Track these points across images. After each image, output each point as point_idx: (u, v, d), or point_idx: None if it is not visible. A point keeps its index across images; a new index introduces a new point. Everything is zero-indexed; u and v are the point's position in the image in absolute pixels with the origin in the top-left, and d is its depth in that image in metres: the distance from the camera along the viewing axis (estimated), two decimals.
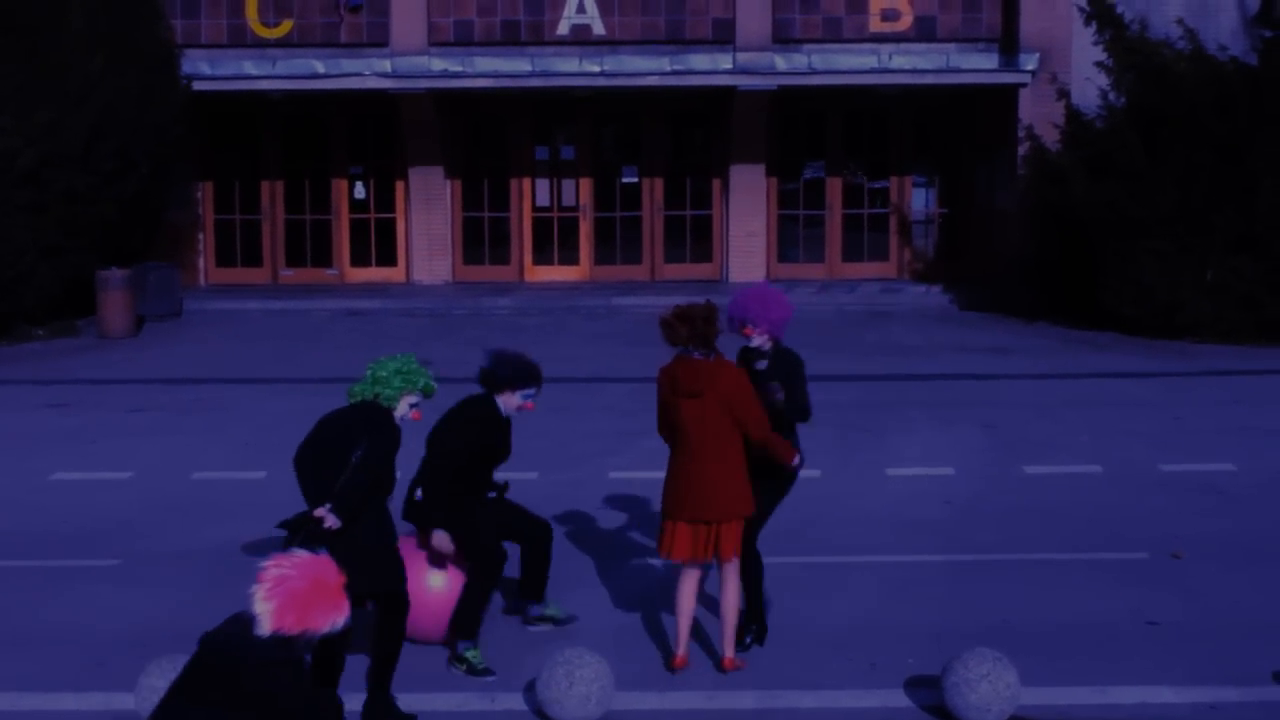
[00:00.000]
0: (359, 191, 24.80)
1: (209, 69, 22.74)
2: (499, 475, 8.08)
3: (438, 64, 22.87)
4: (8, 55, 19.48)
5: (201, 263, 24.71)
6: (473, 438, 7.76)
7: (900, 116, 24.59)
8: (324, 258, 24.89)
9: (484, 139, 24.65)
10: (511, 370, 7.81)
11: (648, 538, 9.64)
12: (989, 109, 23.47)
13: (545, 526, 8.16)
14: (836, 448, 12.85)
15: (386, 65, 22.78)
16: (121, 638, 8.07)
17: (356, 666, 7.13)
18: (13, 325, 20.10)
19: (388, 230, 24.80)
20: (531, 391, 7.85)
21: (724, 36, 22.94)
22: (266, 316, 22.10)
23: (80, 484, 11.76)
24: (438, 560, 7.76)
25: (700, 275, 24.17)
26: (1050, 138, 21.41)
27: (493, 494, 8.03)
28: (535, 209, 24.75)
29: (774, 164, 24.27)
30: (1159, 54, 20.04)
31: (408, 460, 7.50)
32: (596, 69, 22.76)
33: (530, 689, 7.14)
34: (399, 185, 24.54)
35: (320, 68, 22.79)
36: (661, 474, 7.53)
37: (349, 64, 22.82)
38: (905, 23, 23.01)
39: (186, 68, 22.32)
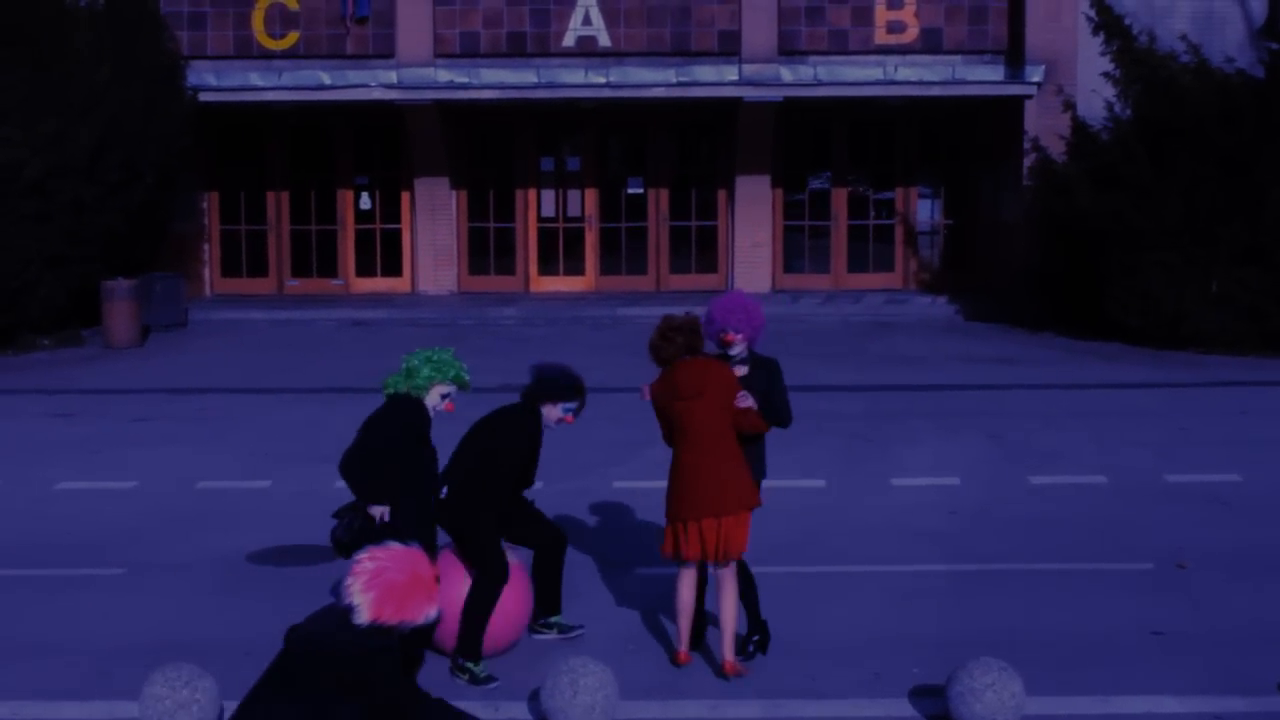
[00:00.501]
0: (364, 202, 24.84)
1: (215, 80, 22.79)
2: None
3: (444, 75, 22.89)
4: (14, 66, 19.53)
5: (207, 273, 24.76)
6: (525, 449, 7.84)
7: (906, 128, 24.61)
8: (329, 268, 24.94)
9: (490, 150, 24.69)
10: (559, 383, 7.89)
11: (652, 547, 9.62)
12: (995, 120, 23.48)
13: (560, 535, 8.20)
14: (842, 457, 12.88)
15: (392, 76, 22.81)
16: (125, 647, 8.07)
17: None
18: (18, 335, 20.12)
19: (393, 241, 24.84)
20: (573, 405, 7.92)
21: (730, 48, 22.95)
22: (272, 327, 22.13)
23: (85, 493, 11.76)
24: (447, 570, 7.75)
25: (706, 286, 24.15)
26: (1056, 149, 21.41)
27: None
28: (541, 219, 24.78)
29: (779, 175, 24.29)
30: (1166, 66, 20.03)
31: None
32: (602, 80, 22.78)
33: (534, 698, 7.13)
34: (404, 196, 24.58)
35: (326, 79, 22.83)
36: (665, 484, 7.55)
37: (355, 75, 22.85)
38: (911, 34, 23.02)
39: (192, 79, 22.41)
